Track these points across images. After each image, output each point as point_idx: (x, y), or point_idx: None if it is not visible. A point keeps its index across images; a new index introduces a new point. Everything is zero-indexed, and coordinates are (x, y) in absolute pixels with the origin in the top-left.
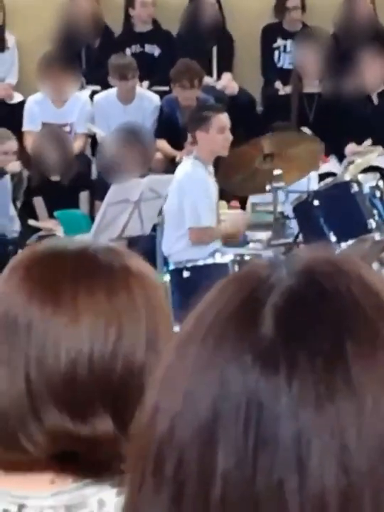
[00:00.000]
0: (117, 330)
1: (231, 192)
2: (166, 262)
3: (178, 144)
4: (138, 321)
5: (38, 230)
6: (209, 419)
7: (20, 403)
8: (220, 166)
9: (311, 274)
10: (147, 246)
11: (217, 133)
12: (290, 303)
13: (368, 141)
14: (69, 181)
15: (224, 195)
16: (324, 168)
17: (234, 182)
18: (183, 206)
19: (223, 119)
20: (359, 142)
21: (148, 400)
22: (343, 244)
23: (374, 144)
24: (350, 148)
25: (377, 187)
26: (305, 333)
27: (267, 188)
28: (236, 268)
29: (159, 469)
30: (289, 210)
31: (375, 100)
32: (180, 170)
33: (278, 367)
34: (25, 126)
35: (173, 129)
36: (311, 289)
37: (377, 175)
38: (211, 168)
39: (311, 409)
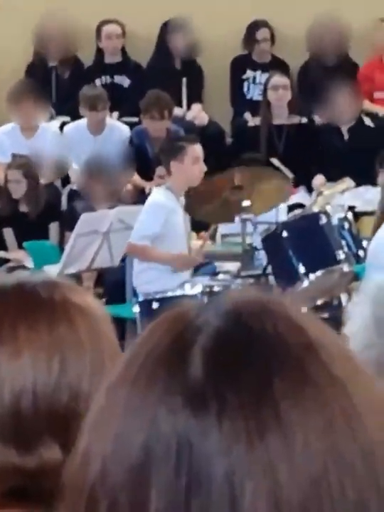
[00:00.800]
0: (60, 362)
1: (200, 220)
2: (135, 294)
3: (147, 175)
4: (81, 352)
5: (7, 260)
6: (141, 460)
7: None
8: (190, 195)
9: (238, 315)
10: (116, 277)
11: (192, 163)
12: (218, 344)
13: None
14: (38, 212)
15: (193, 226)
16: (293, 199)
17: (203, 211)
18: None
19: (197, 149)
20: (327, 174)
21: (81, 443)
22: (312, 276)
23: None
24: (318, 180)
25: (345, 218)
26: (233, 373)
27: (236, 219)
28: (205, 299)
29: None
30: (257, 242)
31: (345, 135)
32: (150, 198)
33: (208, 407)
34: None
35: (143, 160)
36: (238, 329)
37: (346, 206)
38: (182, 200)
39: (242, 447)
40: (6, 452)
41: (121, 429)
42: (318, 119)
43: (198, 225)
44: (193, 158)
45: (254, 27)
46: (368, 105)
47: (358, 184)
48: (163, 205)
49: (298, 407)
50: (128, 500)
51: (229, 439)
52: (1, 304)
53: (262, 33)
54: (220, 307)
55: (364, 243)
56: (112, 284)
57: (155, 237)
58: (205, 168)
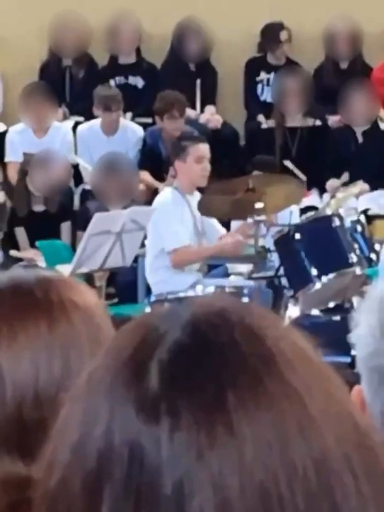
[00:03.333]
0: (62, 361)
1: (213, 216)
2: (147, 294)
3: (160, 175)
4: (81, 350)
5: (19, 260)
6: (94, 471)
7: None
8: (203, 192)
9: (196, 326)
10: (128, 277)
11: (195, 163)
12: (174, 355)
13: (345, 175)
14: (51, 211)
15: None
16: (306, 201)
17: (215, 210)
18: (161, 234)
19: (201, 148)
20: (340, 178)
21: (47, 452)
22: (324, 278)
23: (356, 180)
24: (331, 183)
25: (358, 221)
26: (187, 384)
27: (249, 221)
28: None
29: None
30: (270, 244)
31: (360, 138)
32: (157, 199)
33: (159, 418)
34: (7, 157)
35: (156, 160)
36: (195, 340)
37: (359, 209)
38: (194, 198)
39: (191, 459)
40: (12, 463)
41: (79, 439)
42: (332, 122)
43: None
44: (196, 157)
45: (272, 28)
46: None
47: (372, 188)
48: (168, 204)
49: (250, 419)
50: (82, 511)
51: (179, 450)
52: None
53: (284, 35)
54: (181, 317)
55: (377, 246)
56: (124, 284)
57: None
58: (209, 168)
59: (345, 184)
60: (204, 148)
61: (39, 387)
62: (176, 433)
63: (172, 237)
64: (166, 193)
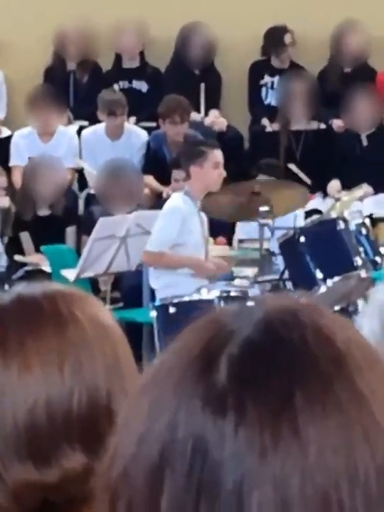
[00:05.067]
0: (72, 367)
1: (217, 218)
2: (152, 298)
3: (165, 179)
4: (92, 354)
5: (24, 264)
6: (158, 463)
7: None
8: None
9: (269, 324)
10: (133, 282)
11: (212, 168)
12: (245, 352)
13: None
14: (56, 216)
15: (211, 231)
16: (310, 205)
17: (220, 211)
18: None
19: (218, 155)
20: (345, 181)
21: (111, 443)
22: (329, 281)
23: (360, 183)
24: (334, 185)
25: (363, 224)
26: (256, 382)
27: (253, 224)
28: (222, 304)
29: (113, 510)
30: (275, 247)
31: (365, 141)
32: (167, 203)
33: (226, 413)
34: (12, 162)
35: (160, 164)
36: (266, 338)
37: (364, 213)
38: (200, 205)
39: (254, 457)
40: (24, 470)
41: (144, 431)
42: (336, 125)
43: (215, 230)
44: (214, 163)
45: (275, 32)
46: None
47: (377, 191)
48: (180, 210)
49: (317, 423)
50: (143, 502)
51: (243, 447)
52: (5, 320)
53: (288, 38)
54: (253, 315)
55: (381, 249)
56: (129, 288)
57: (172, 243)
58: (224, 174)
59: (348, 187)
60: (220, 155)
61: (51, 394)
62: (241, 428)
63: (156, 236)
64: (176, 198)
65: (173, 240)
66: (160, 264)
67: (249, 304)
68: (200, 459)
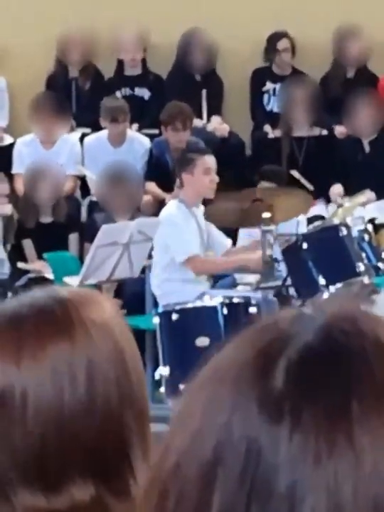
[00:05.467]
0: (86, 381)
1: (220, 225)
2: (155, 305)
3: (167, 186)
4: (104, 370)
5: (27, 272)
6: (211, 460)
7: None
8: (210, 205)
9: (329, 331)
10: (136, 289)
11: (203, 175)
12: (304, 358)
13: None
14: (59, 223)
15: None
16: (312, 211)
17: (222, 219)
18: (169, 246)
19: (208, 160)
20: (348, 187)
21: (165, 438)
22: (332, 288)
23: (363, 189)
24: (336, 190)
25: (365, 230)
26: (314, 389)
27: (256, 231)
28: (225, 310)
29: (162, 504)
30: (277, 253)
31: (367, 148)
32: (163, 212)
33: (282, 418)
34: (15, 169)
35: (163, 171)
36: (326, 345)
37: (366, 219)
38: (199, 212)
39: (308, 462)
40: (32, 496)
41: (198, 428)
42: (338, 132)
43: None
44: (204, 169)
45: (274, 38)
46: None
47: (379, 197)
48: (176, 217)
49: (372, 432)
50: (194, 497)
51: (297, 452)
52: (18, 328)
53: (282, 44)
54: (313, 321)
55: None
56: (132, 295)
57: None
58: (216, 179)
59: (350, 193)
60: (211, 160)
61: (63, 413)
62: (296, 434)
63: (183, 246)
64: (171, 206)
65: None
66: (213, 268)
67: (309, 309)
68: (254, 461)
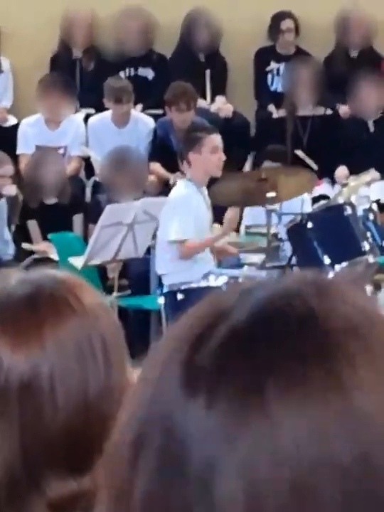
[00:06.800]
0: (103, 356)
1: (224, 204)
2: (160, 285)
3: (171, 166)
4: (111, 346)
5: (32, 252)
6: (134, 440)
7: (15, 478)
8: (213, 185)
9: (261, 310)
10: (141, 269)
11: (210, 153)
12: (232, 335)
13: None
14: (63, 204)
15: (217, 217)
16: (317, 191)
17: (226, 198)
18: (171, 224)
19: (215, 139)
20: (352, 166)
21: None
22: (337, 267)
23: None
24: (341, 172)
25: (370, 210)
26: (233, 366)
27: (261, 209)
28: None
29: (107, 484)
30: (282, 233)
31: (371, 127)
32: (173, 192)
33: (197, 394)
34: (20, 150)
35: (167, 151)
36: (254, 324)
37: (371, 198)
38: (205, 191)
39: (222, 441)
40: (63, 482)
41: (132, 407)
42: (342, 111)
43: (222, 217)
44: (211, 148)
45: (278, 17)
46: None
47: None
48: (189, 198)
49: (290, 410)
50: (122, 481)
51: (210, 429)
52: (36, 311)
53: (286, 24)
54: (250, 300)
55: None
56: (137, 275)
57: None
58: (223, 158)
59: (355, 173)
60: (218, 139)
61: (89, 391)
62: (210, 411)
63: (180, 227)
64: (180, 186)
65: (199, 229)
66: (198, 249)
67: (250, 286)
68: (170, 438)
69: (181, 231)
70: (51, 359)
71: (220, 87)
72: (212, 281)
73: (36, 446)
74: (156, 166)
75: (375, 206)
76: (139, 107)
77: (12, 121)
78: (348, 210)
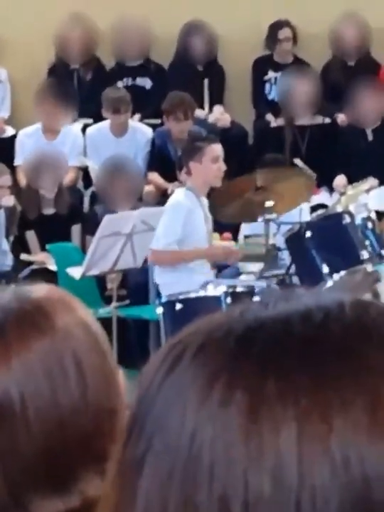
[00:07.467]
0: (77, 373)
1: (223, 220)
2: (158, 295)
3: (170, 176)
4: (92, 358)
5: (30, 263)
6: (144, 444)
7: (1, 505)
8: (212, 196)
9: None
10: (139, 279)
11: (211, 163)
12: (241, 342)
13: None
14: (61, 214)
15: (216, 227)
16: (316, 199)
17: (225, 212)
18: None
19: (216, 149)
20: (351, 175)
21: None
22: (336, 276)
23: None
24: (339, 181)
25: (369, 218)
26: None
27: (259, 219)
28: (228, 300)
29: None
30: (280, 242)
31: (370, 136)
32: (171, 199)
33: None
34: (17, 161)
35: (165, 161)
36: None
37: (369, 206)
38: (205, 201)
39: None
40: (48, 502)
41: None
42: (340, 120)
43: (221, 226)
44: (212, 157)
45: (275, 27)
46: None
47: (382, 185)
48: (182, 205)
49: (287, 407)
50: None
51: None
52: (2, 335)
53: (283, 33)
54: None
55: None
56: (135, 285)
57: (177, 239)
58: (224, 168)
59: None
60: (218, 148)
61: (61, 408)
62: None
63: (162, 234)
64: (179, 193)
65: (178, 236)
66: (167, 262)
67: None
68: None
69: (162, 240)
70: (20, 382)
71: (218, 97)
72: (211, 291)
73: (16, 470)
74: (154, 176)
75: (373, 215)
76: (137, 116)
77: (10, 131)
78: (347, 219)
